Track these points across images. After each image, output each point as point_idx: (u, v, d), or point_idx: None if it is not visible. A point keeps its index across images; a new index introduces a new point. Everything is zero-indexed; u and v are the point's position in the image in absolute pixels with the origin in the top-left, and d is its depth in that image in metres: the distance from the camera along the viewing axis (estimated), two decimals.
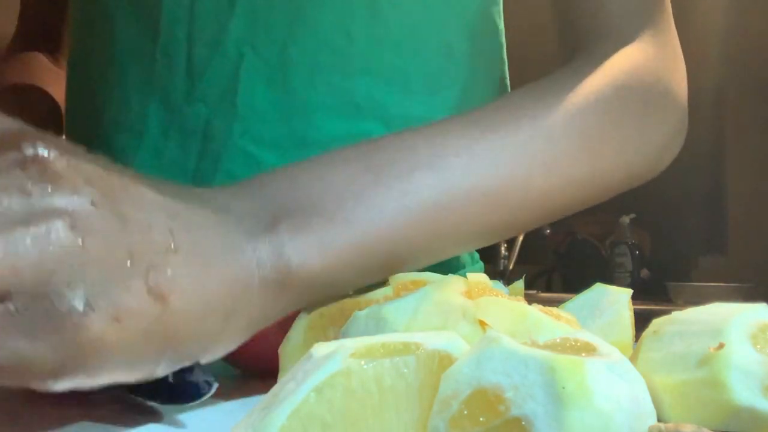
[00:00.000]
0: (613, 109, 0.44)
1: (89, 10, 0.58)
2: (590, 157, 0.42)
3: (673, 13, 0.52)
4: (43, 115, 0.63)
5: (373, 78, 0.52)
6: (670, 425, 0.23)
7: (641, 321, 0.35)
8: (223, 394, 0.39)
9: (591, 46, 0.48)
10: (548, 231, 2.49)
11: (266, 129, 0.52)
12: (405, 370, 0.24)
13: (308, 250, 0.32)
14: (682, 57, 0.50)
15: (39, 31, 0.73)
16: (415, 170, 0.35)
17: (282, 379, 0.25)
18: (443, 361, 0.25)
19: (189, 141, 0.52)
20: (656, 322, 0.31)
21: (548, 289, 2.69)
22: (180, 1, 0.51)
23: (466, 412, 0.23)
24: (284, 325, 0.38)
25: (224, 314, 0.28)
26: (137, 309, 0.24)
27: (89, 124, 0.58)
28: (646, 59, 0.47)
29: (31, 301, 0.22)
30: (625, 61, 0.46)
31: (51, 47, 0.72)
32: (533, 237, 2.51)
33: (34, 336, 0.22)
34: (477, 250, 0.65)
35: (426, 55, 0.54)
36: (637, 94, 0.46)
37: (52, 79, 0.68)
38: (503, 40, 0.59)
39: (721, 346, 0.26)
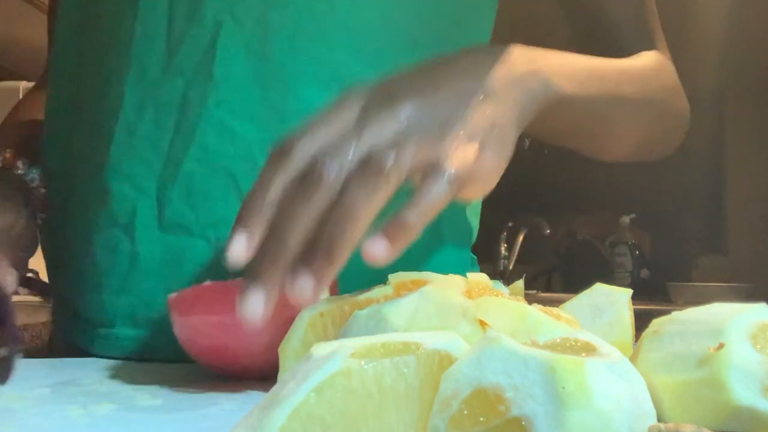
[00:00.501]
0: (663, 87, 0.60)
1: None
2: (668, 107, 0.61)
3: (674, 15, 0.54)
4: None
5: (355, 48, 0.52)
6: (670, 425, 0.23)
7: (641, 321, 0.35)
8: (223, 394, 0.40)
9: (628, 52, 0.61)
10: (548, 231, 2.49)
11: (243, 99, 0.51)
12: (405, 370, 0.24)
13: (562, 84, 0.46)
14: (676, 75, 0.64)
15: None
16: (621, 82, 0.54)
17: (282, 379, 0.25)
18: (443, 361, 0.25)
19: (164, 115, 0.52)
20: (656, 322, 0.31)
21: (548, 289, 2.69)
22: None
23: (466, 411, 0.23)
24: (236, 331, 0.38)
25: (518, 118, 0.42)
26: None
27: (71, 107, 0.59)
28: (668, 66, 0.62)
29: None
30: (662, 62, 0.61)
31: None
32: (533, 237, 2.51)
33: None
34: (477, 250, 0.65)
35: (410, 25, 0.54)
36: (672, 90, 0.61)
37: None
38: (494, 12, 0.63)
39: (721, 346, 0.26)
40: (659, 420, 0.24)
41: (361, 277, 0.51)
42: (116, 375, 0.45)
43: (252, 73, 0.51)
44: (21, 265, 0.55)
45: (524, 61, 0.44)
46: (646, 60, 0.59)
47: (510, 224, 2.53)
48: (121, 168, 0.53)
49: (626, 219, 2.53)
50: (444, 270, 0.53)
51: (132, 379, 0.44)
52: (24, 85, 1.97)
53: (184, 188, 0.50)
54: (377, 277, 0.40)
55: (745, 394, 0.25)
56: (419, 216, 0.35)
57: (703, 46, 2.53)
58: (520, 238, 2.49)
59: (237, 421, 0.25)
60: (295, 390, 0.23)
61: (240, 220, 0.35)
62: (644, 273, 2.51)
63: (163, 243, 0.53)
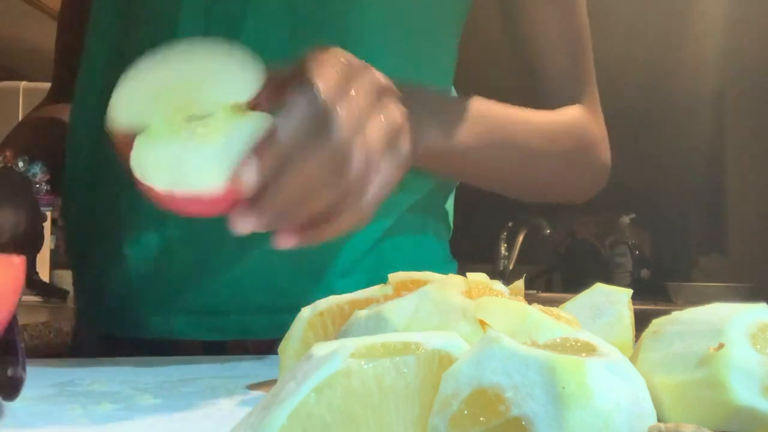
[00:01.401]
0: (573, 142, 0.64)
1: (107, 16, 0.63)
2: (559, 167, 0.64)
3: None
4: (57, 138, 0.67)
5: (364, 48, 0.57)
6: (670, 425, 0.23)
7: (641, 321, 0.35)
8: (223, 394, 0.40)
9: (550, 101, 0.66)
10: (548, 231, 2.49)
11: None
12: (405, 370, 0.24)
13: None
14: (605, 129, 0.69)
15: (68, 87, 0.78)
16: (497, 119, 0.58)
17: (282, 379, 0.25)
18: (443, 361, 0.25)
19: None
20: (656, 322, 0.31)
21: (548, 289, 2.69)
22: (196, 13, 0.57)
23: (466, 411, 0.23)
24: None
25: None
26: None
27: (102, 111, 0.62)
28: (588, 121, 0.66)
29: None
30: (578, 119, 0.66)
31: None
32: (533, 237, 2.51)
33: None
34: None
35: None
36: (584, 141, 0.65)
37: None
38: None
39: (721, 346, 0.26)
40: (659, 420, 0.24)
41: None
42: (116, 375, 0.45)
43: None
44: (29, 265, 0.57)
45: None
46: (563, 116, 0.65)
47: (510, 224, 2.53)
48: None
49: (626, 219, 2.53)
50: (426, 263, 0.58)
51: (132, 379, 0.44)
52: (24, 85, 1.97)
53: None
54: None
55: (745, 394, 0.25)
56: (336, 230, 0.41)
57: (703, 46, 2.53)
58: (520, 238, 2.49)
59: (237, 421, 0.25)
60: (295, 390, 0.23)
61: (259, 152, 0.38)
62: (644, 273, 2.51)
63: (193, 234, 0.57)
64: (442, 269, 0.65)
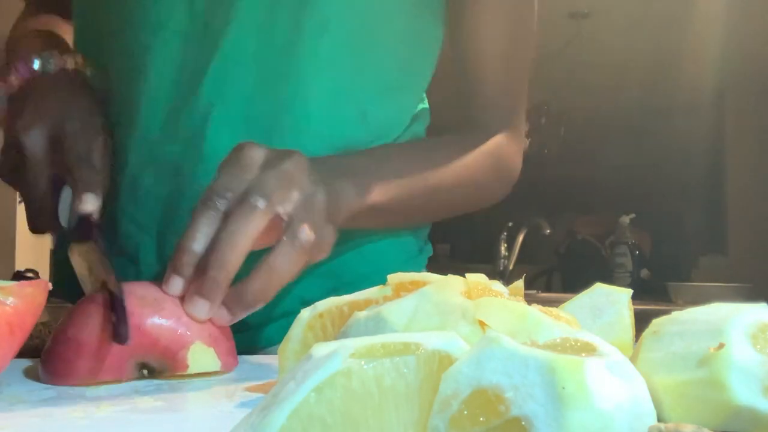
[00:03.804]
0: (488, 168, 0.69)
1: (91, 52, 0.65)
2: (472, 184, 0.68)
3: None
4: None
5: (320, 136, 0.61)
6: (670, 425, 0.23)
7: (641, 321, 0.35)
8: (224, 395, 0.40)
9: (479, 126, 0.70)
10: (548, 231, 2.49)
11: None
12: (405, 370, 0.24)
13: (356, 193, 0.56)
14: (522, 146, 0.74)
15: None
16: (409, 169, 0.63)
17: (282, 379, 0.25)
18: (443, 361, 0.25)
19: (162, 174, 0.60)
20: (656, 322, 0.31)
21: (548, 289, 2.69)
22: (168, 56, 0.59)
23: (466, 411, 0.23)
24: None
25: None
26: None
27: None
28: (506, 146, 0.71)
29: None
30: (497, 141, 0.70)
31: (61, 13, 0.76)
32: (533, 237, 2.51)
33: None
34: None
35: (357, 110, 0.63)
36: (499, 163, 0.70)
37: (67, 30, 0.73)
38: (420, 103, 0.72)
39: (721, 346, 0.26)
40: (659, 420, 0.24)
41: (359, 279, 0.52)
42: None
43: None
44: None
45: (351, 178, 0.55)
46: (483, 143, 0.69)
47: (510, 224, 2.53)
48: (127, 211, 0.61)
49: (626, 219, 2.53)
50: (391, 265, 0.60)
51: (132, 381, 0.44)
52: None
53: (179, 232, 0.53)
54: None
55: (745, 394, 0.25)
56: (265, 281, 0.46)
57: (704, 46, 2.53)
58: (520, 238, 2.49)
59: (237, 421, 0.25)
60: (295, 390, 0.23)
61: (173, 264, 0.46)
62: (644, 273, 2.51)
63: (162, 272, 0.57)
64: (409, 265, 0.69)
